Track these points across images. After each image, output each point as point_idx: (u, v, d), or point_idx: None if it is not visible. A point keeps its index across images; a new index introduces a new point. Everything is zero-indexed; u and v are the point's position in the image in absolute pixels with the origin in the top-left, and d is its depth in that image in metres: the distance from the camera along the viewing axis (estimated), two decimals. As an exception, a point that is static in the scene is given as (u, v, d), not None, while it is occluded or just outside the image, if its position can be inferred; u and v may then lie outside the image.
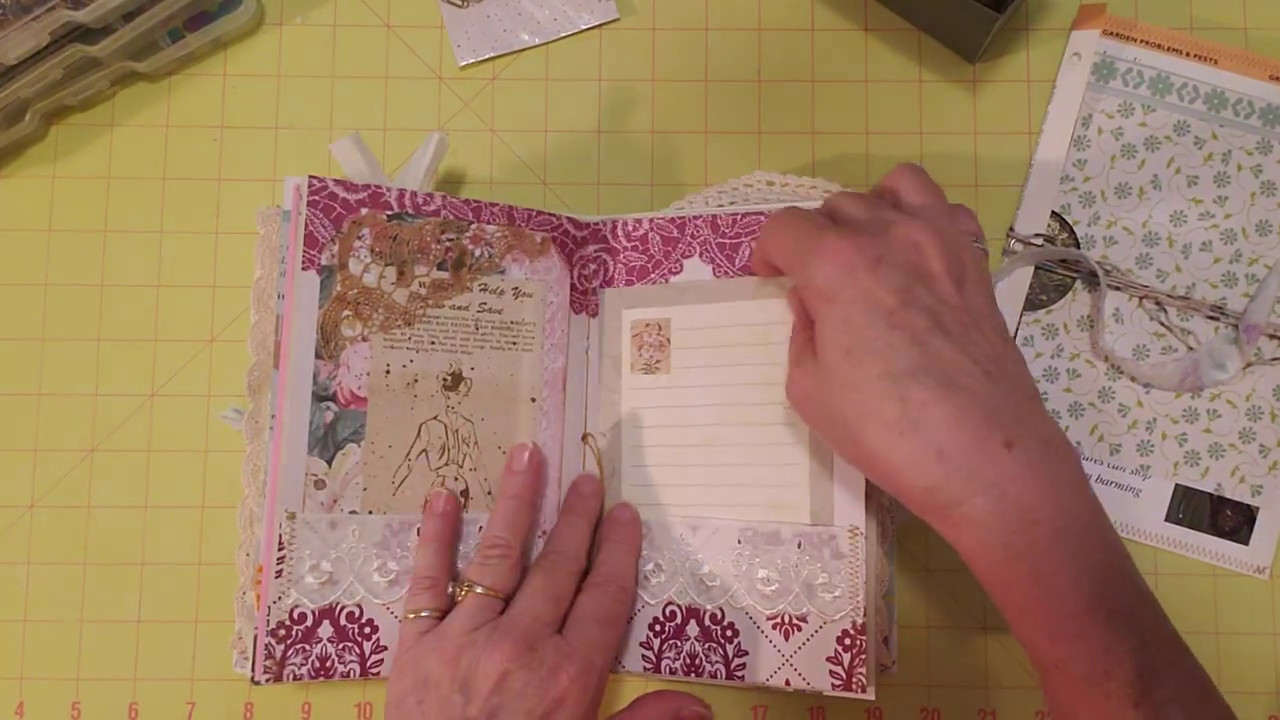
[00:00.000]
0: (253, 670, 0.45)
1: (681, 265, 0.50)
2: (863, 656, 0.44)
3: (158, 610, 0.52)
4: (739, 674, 0.47)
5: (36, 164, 0.54)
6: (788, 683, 0.46)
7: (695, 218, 0.50)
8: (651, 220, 0.51)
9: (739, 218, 0.49)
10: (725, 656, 0.47)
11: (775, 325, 0.47)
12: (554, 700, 0.42)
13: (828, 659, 0.45)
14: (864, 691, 0.44)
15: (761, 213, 0.49)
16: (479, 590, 0.44)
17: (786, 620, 0.46)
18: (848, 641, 0.45)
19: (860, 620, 0.45)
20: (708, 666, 0.47)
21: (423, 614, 0.45)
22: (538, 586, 0.45)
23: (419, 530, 0.47)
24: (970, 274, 0.40)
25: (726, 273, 0.49)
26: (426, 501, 0.47)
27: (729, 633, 0.47)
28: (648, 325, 0.50)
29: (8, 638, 0.51)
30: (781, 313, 0.47)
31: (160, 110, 0.55)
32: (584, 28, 0.55)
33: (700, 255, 0.50)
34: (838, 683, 0.45)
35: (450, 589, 0.46)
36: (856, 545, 0.45)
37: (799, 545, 0.46)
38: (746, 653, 0.47)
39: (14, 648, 0.51)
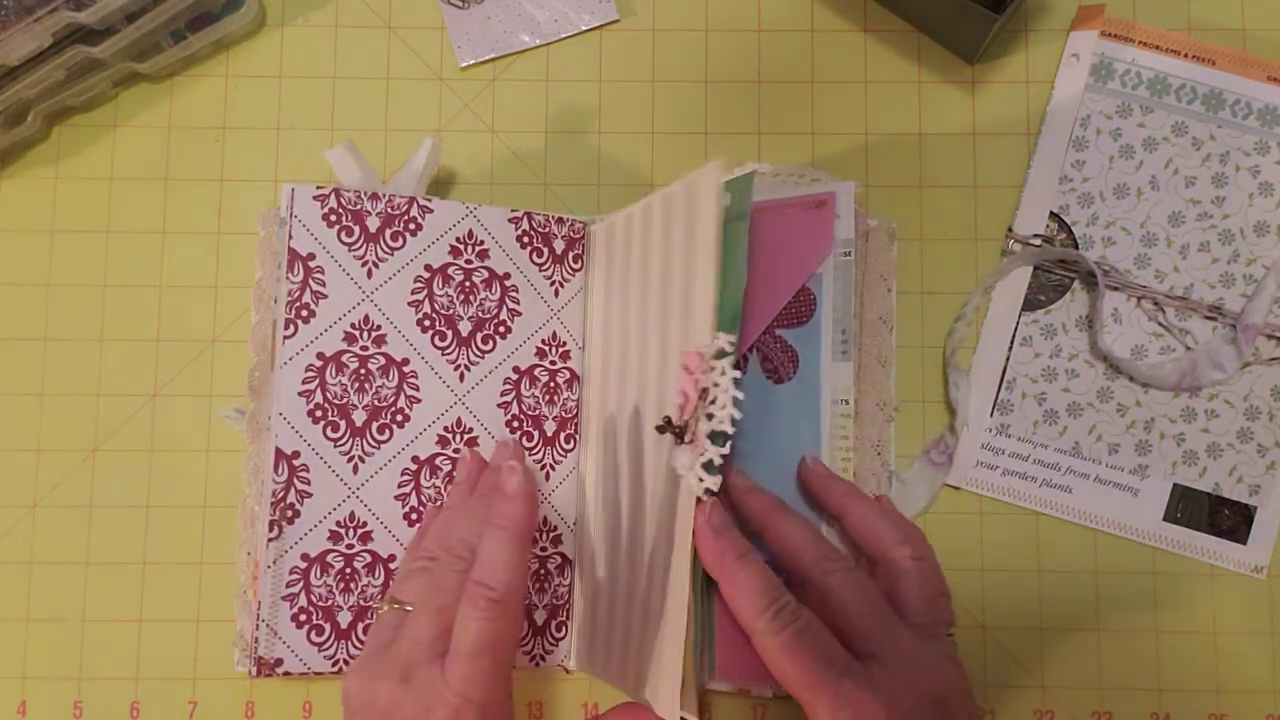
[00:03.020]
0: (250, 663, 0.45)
1: None
2: None
3: (160, 609, 0.52)
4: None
5: (39, 165, 0.54)
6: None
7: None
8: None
9: None
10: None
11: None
12: None
13: None
14: None
15: None
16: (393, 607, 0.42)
17: None
18: None
19: None
20: None
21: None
22: (418, 603, 0.40)
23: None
24: None
25: None
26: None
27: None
28: None
29: (10, 637, 0.52)
30: None
31: (162, 111, 0.55)
32: (584, 29, 0.55)
33: None
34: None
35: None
36: None
37: None
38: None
39: (16, 647, 0.51)
